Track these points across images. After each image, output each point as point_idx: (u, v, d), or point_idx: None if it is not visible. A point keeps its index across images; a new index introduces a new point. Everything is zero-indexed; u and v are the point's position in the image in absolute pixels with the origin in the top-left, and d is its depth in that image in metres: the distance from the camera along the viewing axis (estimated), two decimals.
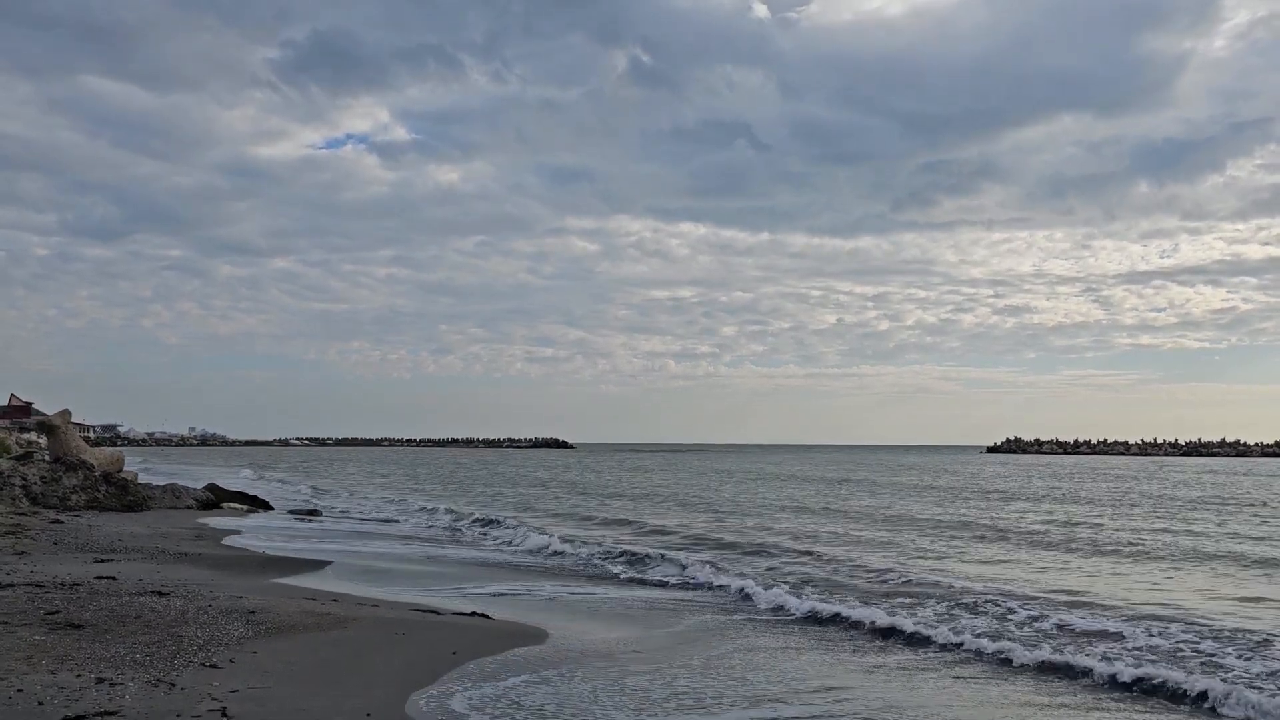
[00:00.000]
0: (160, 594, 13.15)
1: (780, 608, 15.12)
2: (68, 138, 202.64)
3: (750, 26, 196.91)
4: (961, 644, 12.26)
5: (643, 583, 18.00)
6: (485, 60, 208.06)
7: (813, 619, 14.34)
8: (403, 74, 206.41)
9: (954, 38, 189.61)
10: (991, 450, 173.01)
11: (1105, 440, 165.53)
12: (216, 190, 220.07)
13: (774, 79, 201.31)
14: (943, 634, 12.73)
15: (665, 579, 18.23)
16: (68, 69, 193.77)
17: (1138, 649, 12.01)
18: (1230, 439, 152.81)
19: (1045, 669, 11.21)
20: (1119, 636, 12.74)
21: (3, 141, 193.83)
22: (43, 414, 65.07)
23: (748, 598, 16.03)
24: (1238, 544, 24.01)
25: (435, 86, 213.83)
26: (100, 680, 8.39)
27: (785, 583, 17.27)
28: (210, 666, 9.27)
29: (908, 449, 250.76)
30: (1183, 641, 12.35)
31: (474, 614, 13.66)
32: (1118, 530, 27.60)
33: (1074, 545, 23.80)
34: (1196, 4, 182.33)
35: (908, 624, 13.36)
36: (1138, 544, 23.97)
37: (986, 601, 15.23)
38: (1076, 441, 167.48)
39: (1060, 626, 13.44)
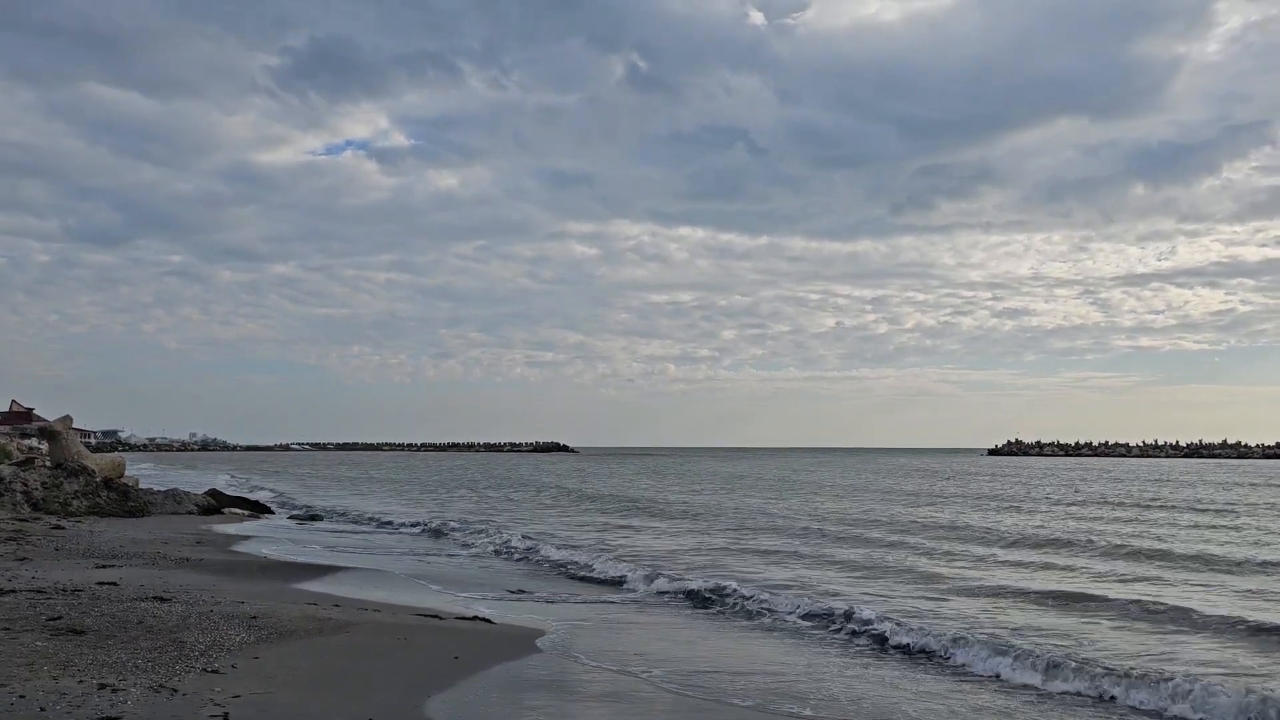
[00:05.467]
0: (162, 599, 13.16)
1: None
2: (69, 144, 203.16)
3: (747, 33, 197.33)
4: None
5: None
6: (483, 66, 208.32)
7: None
8: (402, 80, 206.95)
9: (950, 42, 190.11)
10: (993, 453, 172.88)
11: (1106, 442, 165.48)
12: (217, 196, 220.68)
13: (771, 84, 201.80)
14: None
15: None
16: (69, 76, 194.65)
17: None
18: (1231, 440, 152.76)
19: None
20: None
21: (5, 148, 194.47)
22: (44, 420, 65.07)
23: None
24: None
25: (434, 93, 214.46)
26: (102, 686, 8.39)
27: None
28: (212, 672, 9.28)
29: (908, 452, 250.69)
30: None
31: (475, 618, 13.67)
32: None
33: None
34: (1190, 8, 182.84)
35: None
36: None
37: None
38: (1078, 444, 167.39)
39: None
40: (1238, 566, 19.98)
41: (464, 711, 8.94)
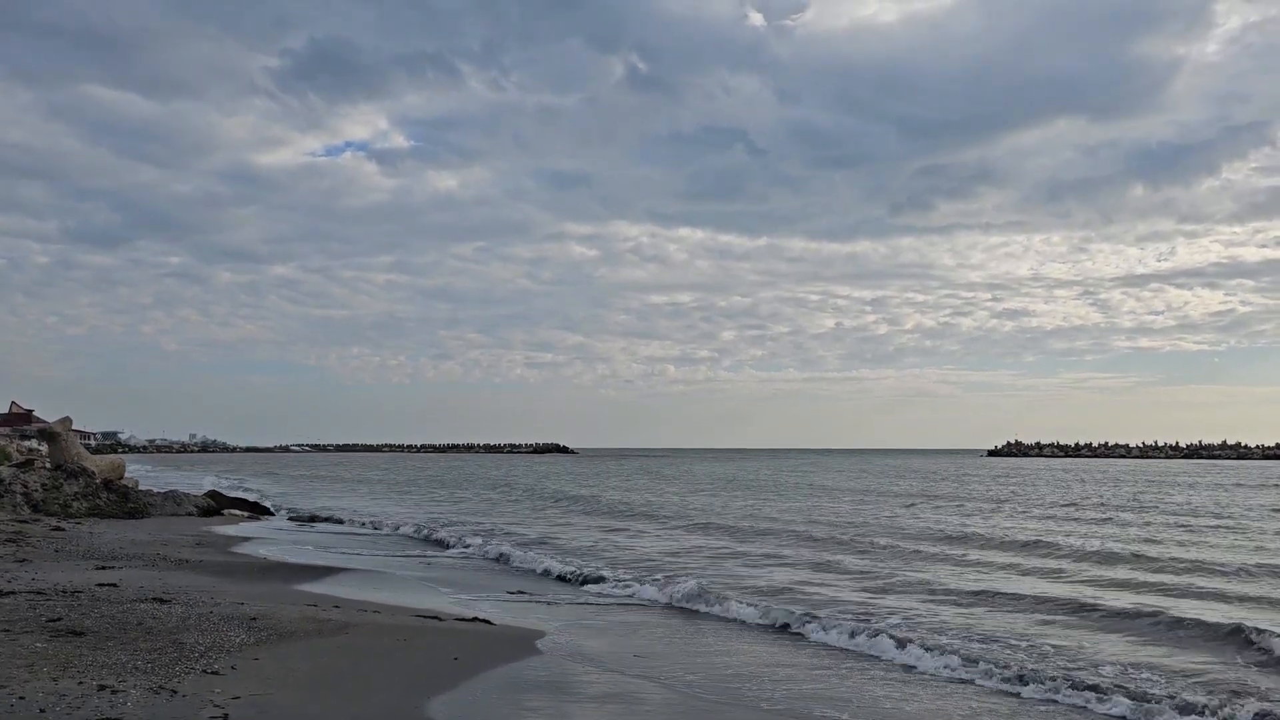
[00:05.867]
0: (161, 601, 13.15)
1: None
2: (69, 145, 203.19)
3: (746, 33, 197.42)
4: None
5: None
6: (483, 67, 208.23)
7: None
8: (401, 81, 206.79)
9: (949, 43, 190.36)
10: (993, 453, 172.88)
11: (1106, 443, 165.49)
12: (217, 197, 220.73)
13: (770, 85, 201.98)
14: None
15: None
16: (69, 77, 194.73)
17: None
18: (1231, 441, 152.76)
19: None
20: None
21: (4, 149, 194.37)
22: (43, 421, 65.05)
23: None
24: None
25: (433, 94, 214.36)
26: (102, 687, 8.39)
27: None
28: (212, 673, 9.27)
29: (908, 453, 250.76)
30: None
31: (475, 619, 13.66)
32: None
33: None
34: (1189, 9, 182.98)
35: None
36: None
37: None
38: (1077, 444, 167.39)
39: None
40: (1167, 564, 20.10)
41: (465, 713, 8.93)
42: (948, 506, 40.03)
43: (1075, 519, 33.07)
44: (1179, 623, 13.79)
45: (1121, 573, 19.44)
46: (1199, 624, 13.64)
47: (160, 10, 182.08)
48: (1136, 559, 21.36)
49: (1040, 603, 15.85)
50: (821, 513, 36.52)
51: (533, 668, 10.90)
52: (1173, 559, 21.27)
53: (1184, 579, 18.39)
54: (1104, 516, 33.78)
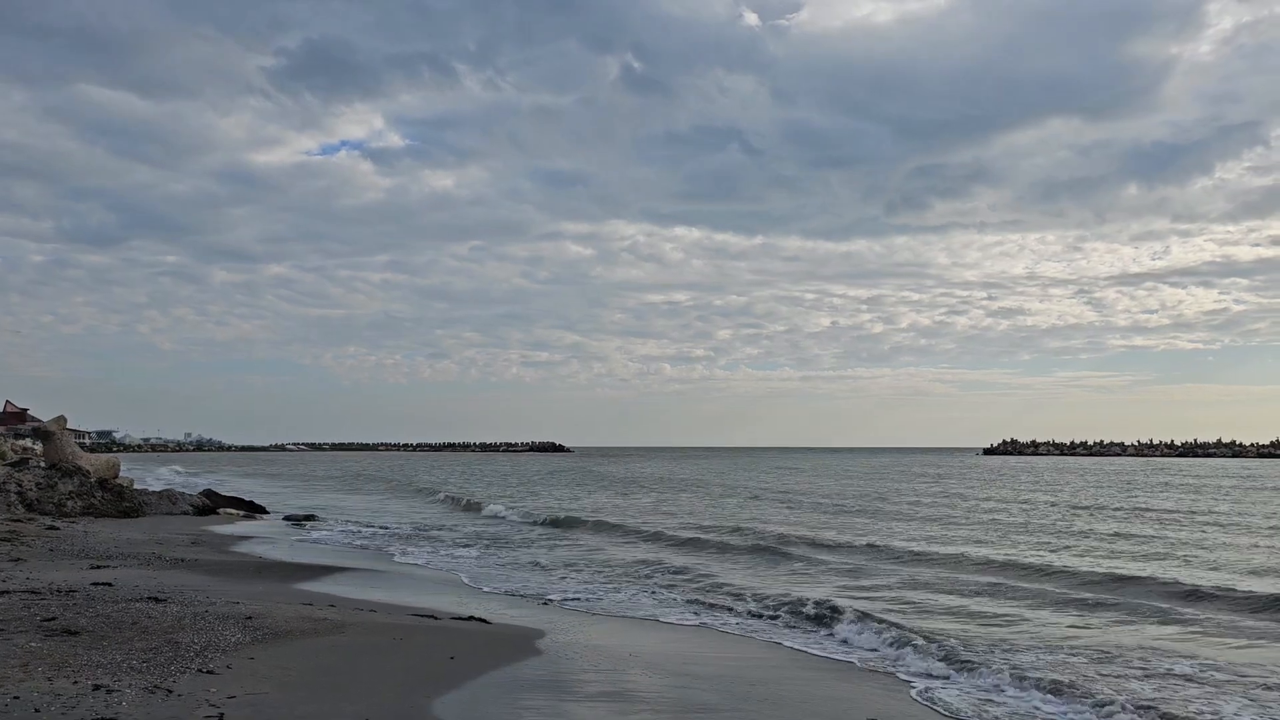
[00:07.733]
0: (157, 600, 13.11)
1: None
2: (65, 145, 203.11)
3: (741, 34, 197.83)
4: None
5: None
6: (479, 67, 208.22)
7: None
8: (397, 81, 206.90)
9: (943, 44, 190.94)
10: (988, 452, 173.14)
11: (1101, 442, 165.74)
12: (213, 197, 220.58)
13: (766, 85, 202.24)
14: None
15: None
16: (65, 77, 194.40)
17: None
18: (1226, 439, 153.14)
19: None
20: None
21: (0, 149, 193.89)
22: (38, 420, 64.89)
23: None
24: None
25: (429, 93, 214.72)
26: (97, 687, 8.34)
27: None
28: (207, 673, 9.23)
29: (904, 451, 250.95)
30: None
31: (471, 618, 13.63)
32: None
33: None
34: (1182, 9, 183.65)
35: None
36: None
37: None
38: (1073, 443, 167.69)
39: None
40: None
41: (463, 711, 8.89)
42: (813, 509, 40.23)
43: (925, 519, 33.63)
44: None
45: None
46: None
47: (156, 11, 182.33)
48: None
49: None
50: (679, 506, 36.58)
51: (531, 667, 10.85)
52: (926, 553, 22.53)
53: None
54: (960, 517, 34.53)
